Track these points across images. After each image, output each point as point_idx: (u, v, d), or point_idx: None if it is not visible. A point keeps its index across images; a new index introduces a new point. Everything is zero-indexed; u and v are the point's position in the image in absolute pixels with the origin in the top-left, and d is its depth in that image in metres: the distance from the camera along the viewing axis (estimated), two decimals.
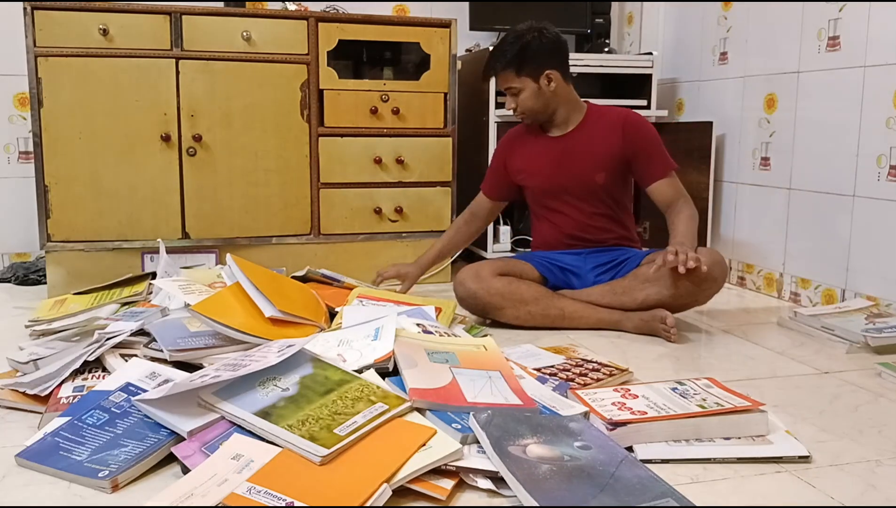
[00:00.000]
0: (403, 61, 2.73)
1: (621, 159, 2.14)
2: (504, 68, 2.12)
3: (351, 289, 2.09)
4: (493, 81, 2.68)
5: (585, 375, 1.60)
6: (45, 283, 2.44)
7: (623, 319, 2.04)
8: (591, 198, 2.17)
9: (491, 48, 2.22)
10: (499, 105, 2.71)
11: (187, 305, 1.77)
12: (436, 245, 2.34)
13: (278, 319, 1.67)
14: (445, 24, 2.58)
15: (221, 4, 2.58)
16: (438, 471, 1.14)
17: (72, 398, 1.37)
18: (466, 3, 2.93)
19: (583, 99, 2.23)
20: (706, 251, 2.01)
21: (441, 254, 2.34)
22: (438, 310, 1.91)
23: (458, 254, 2.62)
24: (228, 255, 1.86)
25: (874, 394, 1.59)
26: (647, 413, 1.30)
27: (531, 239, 2.38)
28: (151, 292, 1.99)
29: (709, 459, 1.23)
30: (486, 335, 1.84)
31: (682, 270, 1.84)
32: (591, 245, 2.20)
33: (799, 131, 2.43)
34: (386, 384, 1.37)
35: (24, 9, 2.24)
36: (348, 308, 1.85)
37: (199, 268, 2.29)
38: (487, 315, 2.05)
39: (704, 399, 1.37)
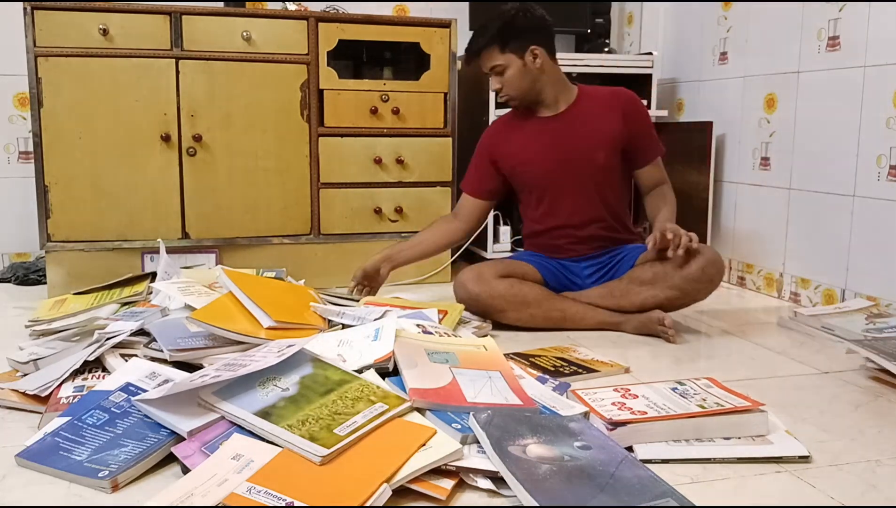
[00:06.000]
0: (403, 61, 2.73)
1: (621, 138, 2.10)
2: (487, 45, 2.05)
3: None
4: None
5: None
6: (45, 283, 2.44)
7: (623, 321, 2.04)
8: (589, 183, 2.10)
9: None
10: (499, 105, 2.71)
11: (188, 306, 1.77)
12: (416, 245, 2.18)
13: (277, 328, 1.66)
14: (445, 24, 2.58)
15: (221, 4, 2.58)
16: (438, 471, 1.14)
17: (72, 398, 1.37)
18: (466, 3, 2.93)
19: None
20: (703, 249, 2.01)
21: (421, 255, 2.20)
22: (444, 313, 1.91)
23: (446, 252, 2.54)
24: (220, 268, 1.85)
25: (874, 394, 1.59)
26: (647, 413, 1.30)
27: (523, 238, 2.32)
28: (151, 293, 1.99)
29: (709, 459, 1.23)
30: (486, 335, 1.84)
31: (680, 252, 1.87)
32: (586, 244, 2.16)
33: (799, 131, 2.43)
34: (386, 384, 1.37)
35: (24, 9, 2.24)
36: None
37: (199, 268, 2.29)
38: (489, 317, 2.04)
39: (704, 399, 1.37)
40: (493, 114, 2.70)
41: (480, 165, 2.24)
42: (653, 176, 2.14)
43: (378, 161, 2.57)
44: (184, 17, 2.36)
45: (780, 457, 1.24)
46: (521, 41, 2.06)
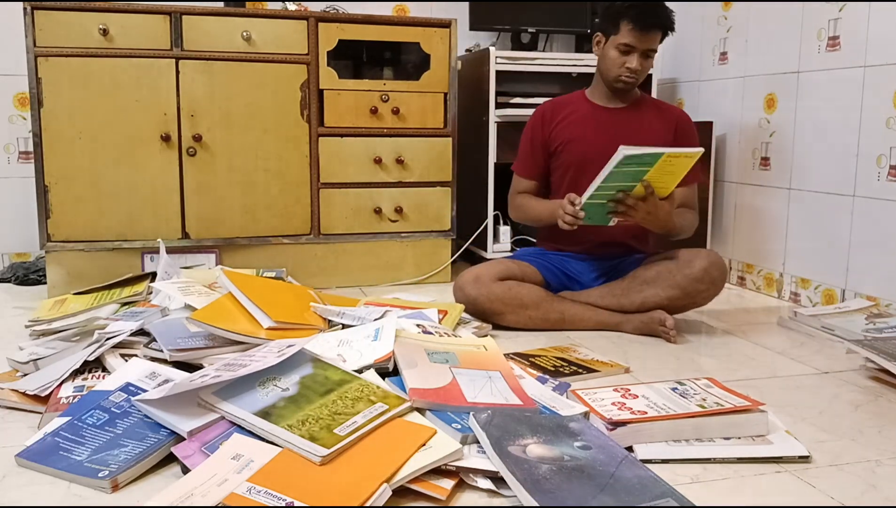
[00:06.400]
0: (403, 61, 2.73)
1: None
2: (664, 28, 2.06)
3: None
4: (493, 73, 2.68)
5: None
6: (45, 283, 2.44)
7: (623, 321, 2.03)
8: None
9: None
10: (499, 105, 2.71)
11: (188, 306, 1.77)
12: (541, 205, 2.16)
13: (277, 328, 1.66)
14: (445, 24, 2.58)
15: (221, 4, 2.58)
16: (438, 471, 1.14)
17: (72, 398, 1.37)
18: (466, 3, 2.92)
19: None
20: (706, 253, 2.01)
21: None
22: (444, 313, 1.91)
23: (446, 252, 2.57)
24: (219, 269, 1.85)
25: (874, 394, 1.59)
26: (647, 413, 1.30)
27: (538, 230, 2.30)
28: (151, 293, 1.99)
29: (709, 459, 1.23)
30: (486, 335, 1.84)
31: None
32: (604, 246, 2.15)
33: (799, 131, 2.43)
34: (386, 384, 1.37)
35: (24, 9, 2.23)
36: None
37: (200, 268, 2.29)
38: (487, 320, 2.04)
39: (704, 399, 1.37)
40: (494, 114, 2.70)
41: (534, 146, 2.19)
42: (680, 197, 2.08)
43: (378, 161, 2.57)
44: (184, 17, 2.36)
45: (780, 457, 1.24)
46: None
